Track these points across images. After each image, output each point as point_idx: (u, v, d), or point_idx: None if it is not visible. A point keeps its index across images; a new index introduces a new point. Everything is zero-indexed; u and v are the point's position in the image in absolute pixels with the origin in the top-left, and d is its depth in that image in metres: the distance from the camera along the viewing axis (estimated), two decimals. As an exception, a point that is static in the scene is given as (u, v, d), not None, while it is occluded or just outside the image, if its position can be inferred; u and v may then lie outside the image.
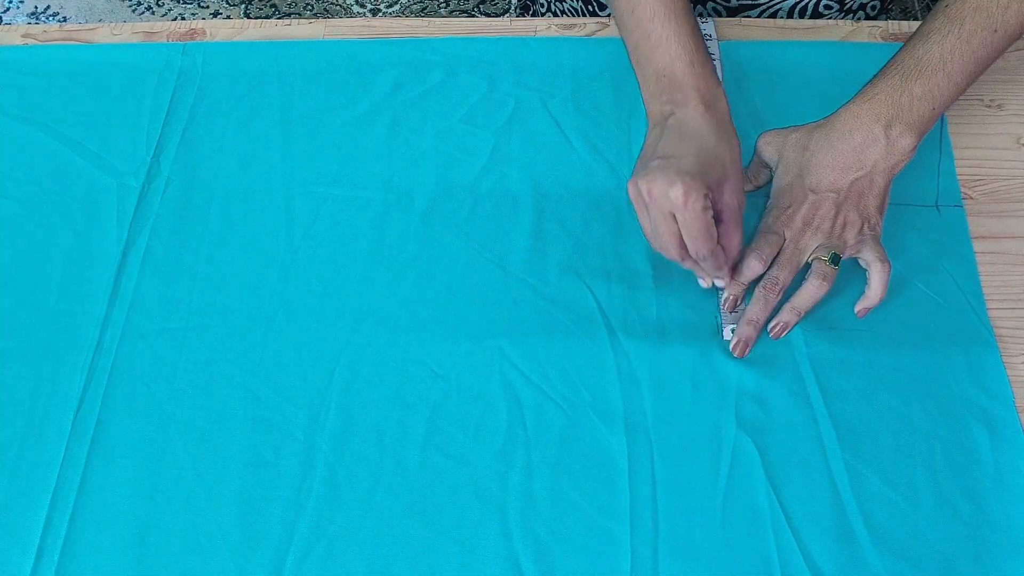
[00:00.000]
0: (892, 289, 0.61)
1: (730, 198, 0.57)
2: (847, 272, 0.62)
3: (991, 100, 0.71)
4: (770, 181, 0.65)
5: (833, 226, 0.60)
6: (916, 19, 0.87)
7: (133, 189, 0.68)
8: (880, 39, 0.75)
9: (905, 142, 0.60)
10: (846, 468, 0.55)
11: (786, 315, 0.59)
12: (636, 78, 0.64)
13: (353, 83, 0.73)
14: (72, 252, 0.65)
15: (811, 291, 0.59)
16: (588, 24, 0.76)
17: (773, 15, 0.81)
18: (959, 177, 0.67)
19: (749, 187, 0.65)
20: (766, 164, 0.64)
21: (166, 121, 0.71)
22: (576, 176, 0.68)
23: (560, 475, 0.55)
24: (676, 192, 0.54)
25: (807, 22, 0.77)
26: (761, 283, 0.60)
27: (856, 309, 0.60)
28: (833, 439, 0.56)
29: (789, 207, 0.61)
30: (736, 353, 0.59)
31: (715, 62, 0.72)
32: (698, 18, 0.75)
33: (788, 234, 0.61)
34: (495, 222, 0.66)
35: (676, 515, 0.54)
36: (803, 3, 0.81)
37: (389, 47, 0.75)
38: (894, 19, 0.79)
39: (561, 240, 0.64)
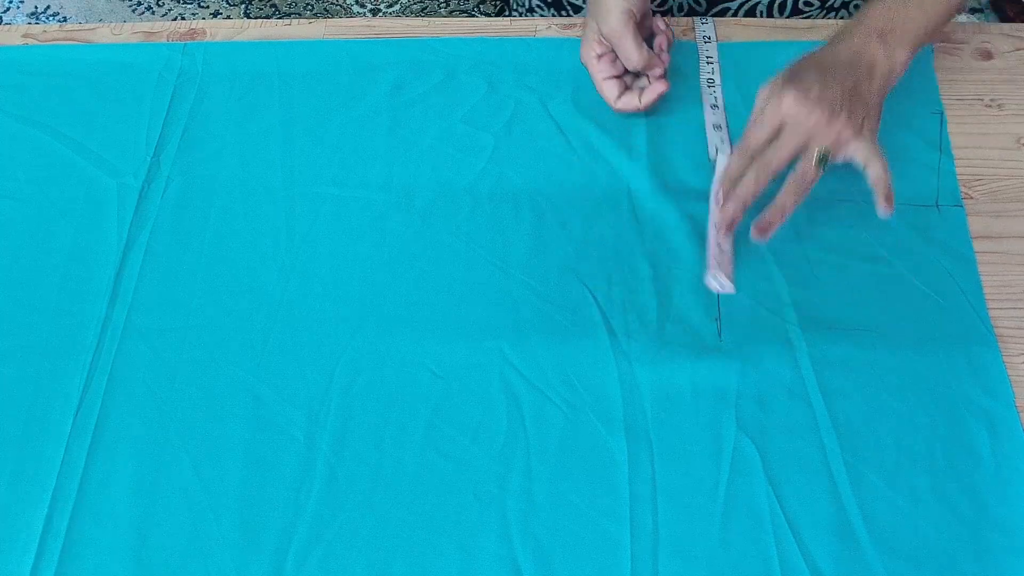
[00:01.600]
0: (892, 289, 0.61)
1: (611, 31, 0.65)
2: (846, 271, 0.62)
3: (991, 100, 0.71)
4: None
5: (837, 109, 0.58)
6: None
7: (133, 189, 0.68)
8: (880, 39, 0.75)
9: (900, 53, 0.61)
10: (846, 468, 0.55)
11: (770, 213, 0.59)
12: None
13: (353, 83, 0.73)
14: (72, 252, 0.65)
15: (792, 185, 0.58)
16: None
17: (751, 12, 0.81)
18: (959, 177, 0.67)
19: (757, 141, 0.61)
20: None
21: (166, 121, 0.71)
22: (576, 177, 0.67)
23: (560, 477, 0.55)
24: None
25: (807, 22, 0.77)
26: (755, 160, 0.59)
27: (879, 208, 0.59)
28: (833, 439, 0.56)
29: (790, 89, 0.58)
30: (724, 231, 0.59)
31: (712, 63, 0.72)
32: (696, 19, 0.75)
33: (788, 115, 0.58)
34: (495, 223, 0.66)
35: (676, 516, 0.54)
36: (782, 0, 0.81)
37: (389, 47, 0.75)
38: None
39: (561, 241, 0.64)
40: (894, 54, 0.61)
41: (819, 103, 0.58)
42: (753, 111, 0.61)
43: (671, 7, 0.82)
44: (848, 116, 0.58)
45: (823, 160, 0.58)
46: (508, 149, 0.69)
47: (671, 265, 0.63)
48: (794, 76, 0.59)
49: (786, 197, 0.59)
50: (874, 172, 0.59)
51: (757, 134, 0.60)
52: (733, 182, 0.60)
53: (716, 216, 0.61)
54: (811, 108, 0.58)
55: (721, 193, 0.60)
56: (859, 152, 0.59)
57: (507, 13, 0.96)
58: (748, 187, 0.59)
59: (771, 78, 0.61)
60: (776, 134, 0.59)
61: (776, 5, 0.81)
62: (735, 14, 0.81)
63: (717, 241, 0.60)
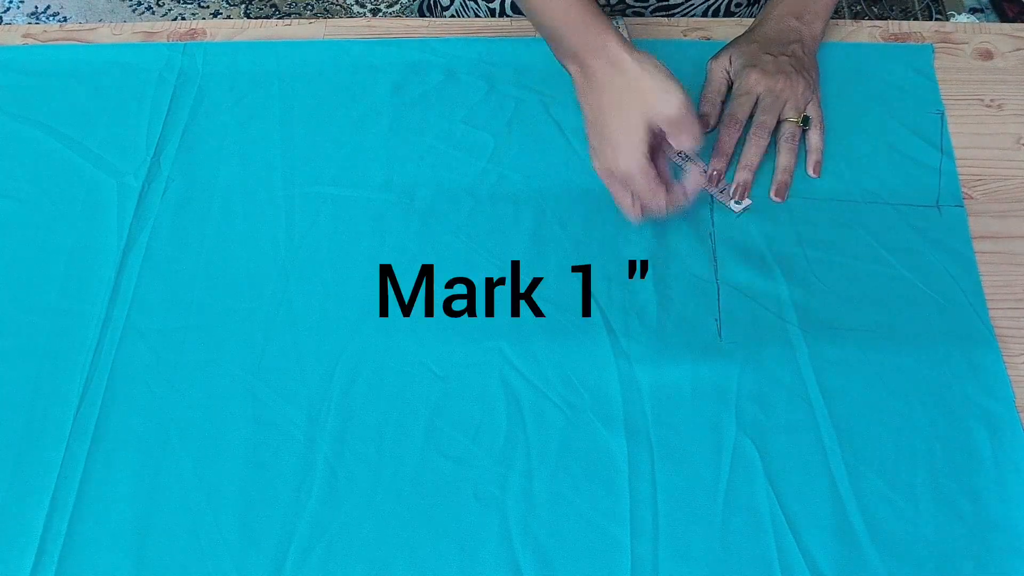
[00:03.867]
0: (892, 289, 0.61)
1: (664, 122, 0.59)
2: (846, 271, 0.62)
3: (991, 100, 0.71)
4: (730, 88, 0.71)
5: (792, 72, 0.68)
6: (916, 19, 0.86)
7: (133, 189, 0.68)
8: (880, 39, 0.75)
9: (815, 26, 0.71)
10: (846, 468, 0.55)
11: (782, 177, 0.66)
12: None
13: (353, 83, 0.73)
14: (72, 252, 0.65)
15: (788, 150, 0.67)
16: None
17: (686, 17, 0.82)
18: (959, 177, 0.67)
19: (714, 104, 0.70)
20: (726, 75, 0.70)
21: (166, 121, 0.71)
22: (576, 177, 0.67)
23: (560, 477, 0.55)
24: (625, 166, 0.60)
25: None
26: (751, 130, 0.67)
27: (809, 170, 0.67)
28: (833, 439, 0.56)
29: (753, 69, 0.68)
30: (738, 196, 0.65)
31: None
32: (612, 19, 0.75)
33: (759, 88, 0.68)
34: (495, 223, 0.66)
35: (676, 516, 0.54)
36: (716, 4, 0.82)
37: (389, 47, 0.75)
38: (895, 19, 0.79)
39: (561, 241, 0.64)
40: (811, 28, 0.70)
41: (778, 73, 0.68)
42: (710, 84, 0.70)
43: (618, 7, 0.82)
44: (803, 78, 0.68)
45: (806, 121, 0.68)
46: (508, 149, 0.69)
47: (671, 265, 0.63)
48: (747, 57, 0.69)
49: (787, 158, 0.67)
50: (816, 137, 0.68)
51: (737, 110, 0.68)
52: (728, 153, 0.67)
53: (713, 189, 0.67)
54: (775, 79, 0.67)
55: (719, 164, 0.67)
56: (814, 111, 0.68)
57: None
58: (754, 154, 0.67)
59: (718, 57, 0.71)
60: (754, 105, 0.68)
61: (711, 9, 0.83)
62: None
63: (718, 192, 0.67)
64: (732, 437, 0.56)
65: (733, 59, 0.70)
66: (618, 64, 0.60)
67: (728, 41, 0.72)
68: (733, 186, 0.66)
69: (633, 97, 0.59)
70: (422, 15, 0.96)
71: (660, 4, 0.81)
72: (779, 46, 0.69)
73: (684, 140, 0.59)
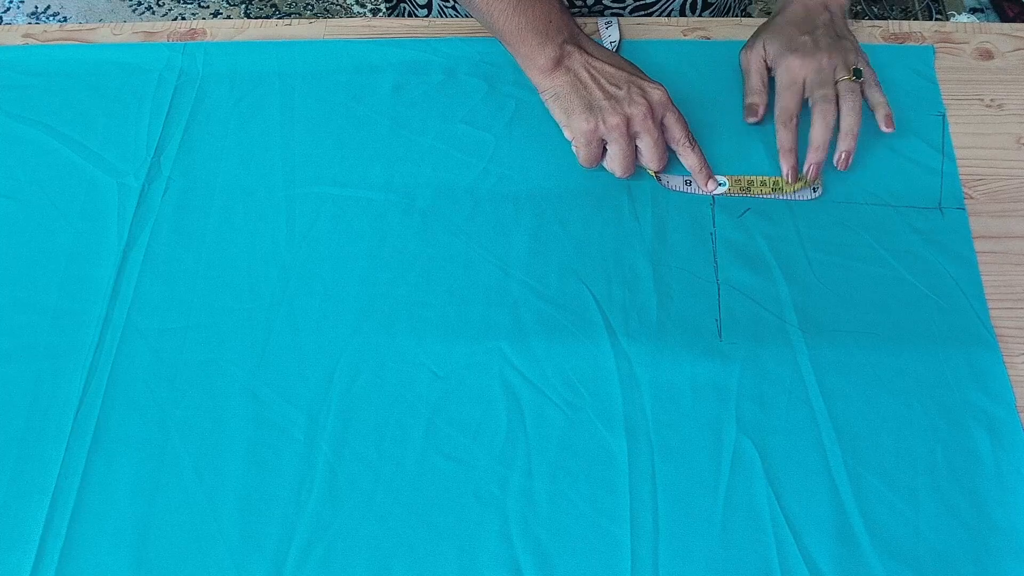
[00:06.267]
0: (893, 291, 0.61)
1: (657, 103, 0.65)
2: (846, 273, 0.62)
3: (991, 100, 0.71)
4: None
5: (833, 44, 0.67)
6: (916, 19, 0.86)
7: (134, 189, 0.68)
8: (880, 39, 0.75)
9: None
10: (846, 470, 0.55)
11: (844, 143, 0.65)
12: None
13: (353, 83, 0.73)
14: (73, 252, 0.65)
15: (849, 109, 0.65)
16: (588, 24, 0.76)
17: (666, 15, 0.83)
18: (960, 177, 0.67)
19: (760, 93, 0.69)
20: (764, 63, 0.69)
21: (166, 121, 0.71)
22: (576, 177, 0.67)
23: (560, 477, 0.55)
24: (659, 94, 0.65)
25: (807, 22, 0.77)
26: (816, 109, 0.65)
27: (882, 126, 0.66)
28: (833, 441, 0.56)
29: (793, 53, 0.67)
30: (811, 176, 0.65)
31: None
32: (600, 19, 0.75)
33: (804, 72, 0.66)
34: (495, 223, 0.66)
35: (676, 517, 0.54)
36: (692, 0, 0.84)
37: (389, 47, 0.75)
38: (895, 19, 0.79)
39: (561, 241, 0.64)
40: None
41: (819, 51, 0.67)
42: (751, 76, 0.69)
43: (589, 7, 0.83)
44: (844, 44, 0.67)
45: (857, 74, 0.66)
46: (509, 149, 0.69)
47: (671, 265, 0.63)
48: (783, 41, 0.68)
49: (852, 119, 0.65)
50: (876, 92, 0.67)
51: (789, 103, 0.67)
52: (793, 150, 0.66)
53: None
54: (818, 57, 0.66)
55: (788, 164, 0.66)
56: (865, 68, 0.67)
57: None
58: (822, 133, 0.65)
59: (751, 47, 0.70)
60: (802, 92, 0.67)
61: (688, 5, 0.83)
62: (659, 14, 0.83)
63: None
64: (732, 437, 0.56)
65: (768, 46, 0.69)
66: (599, 48, 0.67)
67: (744, 37, 0.71)
68: (807, 165, 0.65)
69: (626, 69, 0.66)
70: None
71: (638, 4, 0.82)
72: (810, 24, 0.68)
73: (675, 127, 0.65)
